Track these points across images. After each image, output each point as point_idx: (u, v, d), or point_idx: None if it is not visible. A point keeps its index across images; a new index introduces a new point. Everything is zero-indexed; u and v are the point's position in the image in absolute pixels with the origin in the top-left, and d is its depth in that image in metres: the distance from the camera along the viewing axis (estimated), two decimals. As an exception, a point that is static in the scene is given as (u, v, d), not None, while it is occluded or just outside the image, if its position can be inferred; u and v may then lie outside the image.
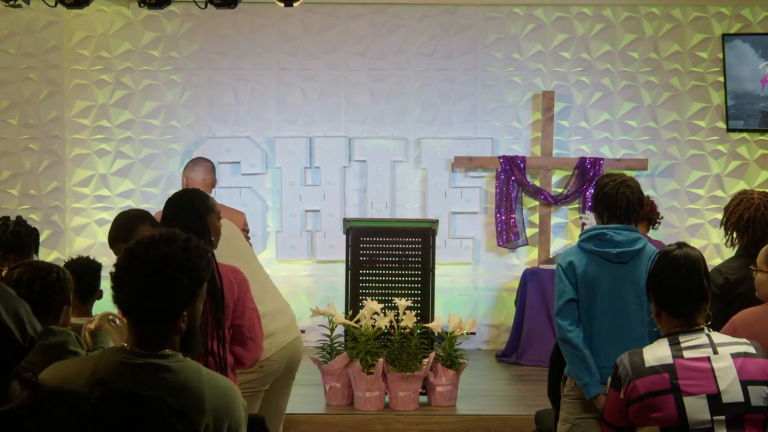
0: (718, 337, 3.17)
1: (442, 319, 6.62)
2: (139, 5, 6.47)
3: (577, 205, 8.87)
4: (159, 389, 2.47)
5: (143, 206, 8.77)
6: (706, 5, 8.87)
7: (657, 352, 3.11)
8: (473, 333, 8.20)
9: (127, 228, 4.20)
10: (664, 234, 8.21)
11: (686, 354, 3.09)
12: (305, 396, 6.85)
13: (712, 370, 3.05)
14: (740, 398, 3.02)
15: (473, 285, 8.95)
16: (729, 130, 8.83)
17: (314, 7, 8.84)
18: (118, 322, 3.83)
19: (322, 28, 8.96)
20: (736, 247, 4.70)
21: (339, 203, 8.90)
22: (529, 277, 8.40)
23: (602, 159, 8.76)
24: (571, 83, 8.95)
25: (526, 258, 8.95)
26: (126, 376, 2.48)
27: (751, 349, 3.13)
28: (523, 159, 8.80)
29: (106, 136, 8.91)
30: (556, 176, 8.95)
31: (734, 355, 3.09)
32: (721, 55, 8.78)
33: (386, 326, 6.40)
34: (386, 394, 6.49)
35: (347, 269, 6.85)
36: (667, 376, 3.05)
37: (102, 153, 8.91)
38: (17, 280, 3.53)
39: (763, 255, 3.89)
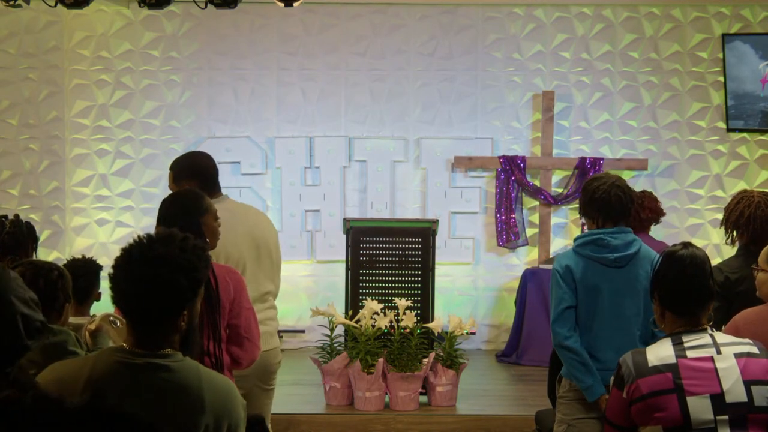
0: (721, 337, 3.16)
1: (442, 319, 6.61)
2: (139, 5, 6.47)
3: (577, 205, 8.86)
4: (158, 389, 2.47)
5: (143, 206, 8.82)
6: (706, 5, 8.87)
7: (660, 352, 3.11)
8: (473, 333, 8.21)
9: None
10: (664, 234, 8.21)
11: (689, 354, 3.09)
12: (305, 396, 6.86)
13: (716, 370, 3.05)
14: (743, 398, 3.02)
15: (473, 285, 8.95)
16: (729, 130, 8.83)
17: (314, 7, 8.84)
18: (118, 324, 3.82)
19: (322, 28, 8.96)
20: (737, 246, 4.70)
21: (339, 203, 8.90)
22: (529, 277, 8.39)
23: (602, 159, 8.76)
24: (571, 83, 8.95)
25: (526, 258, 8.95)
26: (124, 376, 2.48)
27: (755, 350, 3.13)
28: (523, 159, 8.80)
29: (106, 136, 8.91)
30: (556, 176, 8.95)
31: (737, 355, 3.09)
32: (721, 55, 8.78)
33: (386, 326, 6.40)
34: (386, 394, 6.49)
35: (347, 269, 6.85)
36: (671, 375, 3.05)
37: (102, 153, 8.90)
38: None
39: (764, 255, 3.88)
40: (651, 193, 6.91)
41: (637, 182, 8.64)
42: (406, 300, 6.47)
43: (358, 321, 6.47)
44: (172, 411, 2.46)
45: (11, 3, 6.46)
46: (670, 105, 8.94)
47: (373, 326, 6.38)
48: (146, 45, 8.90)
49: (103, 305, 4.52)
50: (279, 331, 4.92)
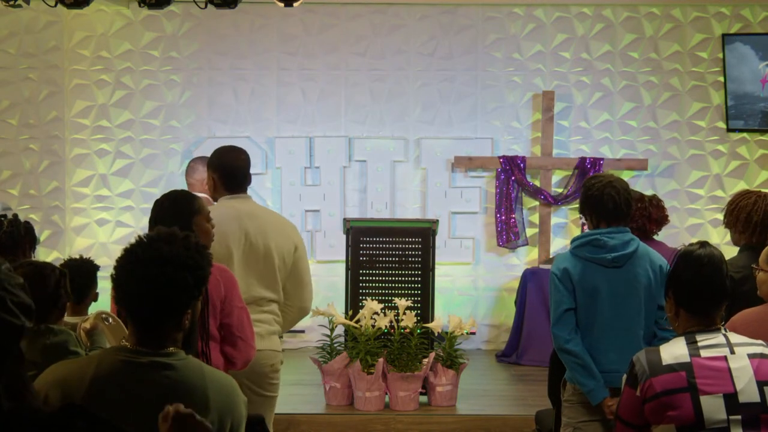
0: (734, 337, 3.17)
1: (442, 319, 6.61)
2: (139, 5, 6.47)
3: (577, 205, 8.86)
4: (163, 388, 2.47)
5: (143, 206, 8.81)
6: (706, 5, 8.87)
7: (674, 351, 3.11)
8: (473, 333, 8.20)
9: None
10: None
11: (703, 353, 3.09)
12: (305, 396, 6.86)
13: (729, 369, 3.05)
14: (756, 398, 3.03)
15: (473, 285, 8.95)
16: (729, 130, 8.83)
17: (314, 7, 8.84)
18: (111, 321, 3.81)
19: (322, 28, 8.96)
20: (740, 245, 4.69)
21: (339, 203, 8.90)
22: (529, 277, 8.39)
23: (602, 159, 8.76)
24: (571, 83, 8.95)
25: (526, 258, 8.95)
26: (129, 375, 2.48)
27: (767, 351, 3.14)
28: (523, 159, 8.80)
29: (106, 136, 8.91)
30: (556, 176, 8.95)
31: (751, 356, 3.09)
32: (721, 55, 8.78)
33: (386, 326, 6.40)
34: (386, 394, 6.49)
35: (347, 269, 6.85)
36: (684, 374, 3.05)
37: (102, 153, 8.90)
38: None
39: (765, 255, 3.88)
40: (659, 201, 6.14)
41: (637, 182, 8.64)
42: (406, 300, 6.47)
43: (358, 321, 6.47)
44: None
45: (11, 3, 6.45)
46: (670, 105, 8.94)
47: (373, 326, 6.38)
48: (146, 45, 8.90)
49: (101, 305, 4.53)
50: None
